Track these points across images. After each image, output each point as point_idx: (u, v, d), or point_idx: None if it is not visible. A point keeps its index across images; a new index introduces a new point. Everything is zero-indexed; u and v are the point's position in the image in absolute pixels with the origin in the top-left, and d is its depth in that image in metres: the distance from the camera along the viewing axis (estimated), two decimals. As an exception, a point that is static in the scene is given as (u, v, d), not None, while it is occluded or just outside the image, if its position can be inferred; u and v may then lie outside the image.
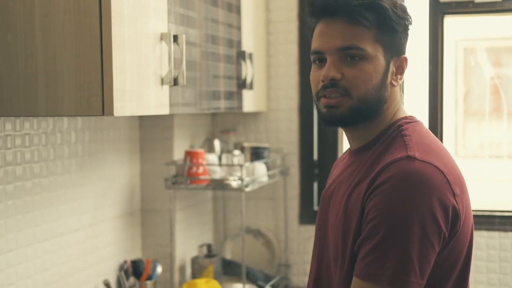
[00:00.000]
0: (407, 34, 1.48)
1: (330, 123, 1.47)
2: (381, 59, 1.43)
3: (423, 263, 1.30)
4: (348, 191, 1.44)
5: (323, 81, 1.42)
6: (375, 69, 1.42)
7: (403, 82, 1.53)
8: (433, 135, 1.50)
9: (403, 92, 1.55)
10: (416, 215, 1.29)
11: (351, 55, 1.41)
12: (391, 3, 1.44)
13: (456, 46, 3.26)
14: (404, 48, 1.49)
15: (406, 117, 1.49)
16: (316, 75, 1.46)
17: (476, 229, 2.77)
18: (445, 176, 1.34)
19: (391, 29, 1.43)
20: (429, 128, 2.85)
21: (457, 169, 1.42)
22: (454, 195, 1.34)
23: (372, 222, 1.32)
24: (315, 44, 1.46)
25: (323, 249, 1.54)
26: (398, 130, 1.45)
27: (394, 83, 1.47)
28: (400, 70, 1.48)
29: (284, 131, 3.01)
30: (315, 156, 3.01)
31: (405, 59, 1.48)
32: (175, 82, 1.96)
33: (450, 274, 1.39)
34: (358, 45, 1.40)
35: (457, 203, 1.34)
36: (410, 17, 1.47)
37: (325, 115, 1.45)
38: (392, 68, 1.46)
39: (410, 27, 1.48)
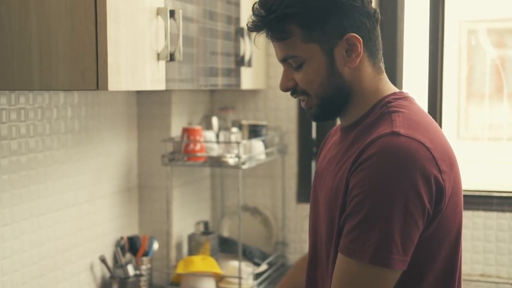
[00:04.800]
0: (345, 10, 1.40)
1: (315, 121, 1.61)
2: (319, 55, 1.41)
3: (405, 240, 1.29)
4: (336, 169, 1.44)
5: (282, 90, 1.50)
6: (317, 67, 1.42)
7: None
8: (424, 111, 1.47)
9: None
10: (399, 191, 1.28)
11: (293, 62, 1.44)
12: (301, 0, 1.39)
13: (459, 27, 3.25)
14: (348, 27, 1.41)
15: (394, 93, 1.47)
16: None
17: (474, 209, 2.79)
18: (431, 152, 1.32)
19: (316, 24, 1.40)
20: (428, 108, 2.85)
21: (446, 145, 1.40)
22: (440, 171, 1.32)
23: (356, 199, 1.32)
24: None
25: (316, 228, 1.54)
26: (386, 107, 1.43)
27: (350, 65, 1.42)
28: (352, 49, 1.42)
29: (283, 109, 3.00)
30: (314, 135, 3.00)
31: (353, 36, 1.40)
32: (172, 57, 1.95)
33: (438, 252, 1.38)
34: (292, 53, 1.43)
35: (443, 180, 1.32)
36: None
37: (309, 114, 1.51)
38: (339, 53, 1.41)
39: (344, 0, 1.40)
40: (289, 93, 1.50)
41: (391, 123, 1.37)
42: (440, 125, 2.84)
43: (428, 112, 2.68)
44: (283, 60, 1.46)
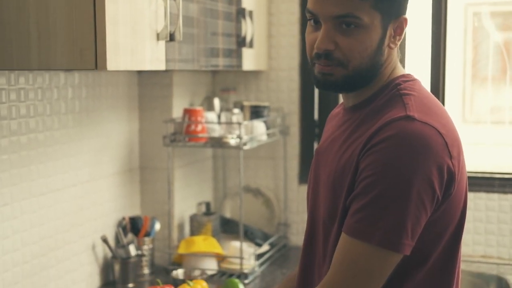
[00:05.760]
0: None
1: (322, 88, 1.45)
2: (377, 27, 1.38)
3: (415, 226, 1.29)
4: (341, 149, 1.43)
5: (317, 50, 1.40)
6: (370, 38, 1.38)
7: (404, 38, 1.49)
8: (432, 95, 1.47)
9: (400, 50, 1.52)
10: (413, 178, 1.28)
11: (346, 23, 1.36)
12: None
13: (465, 10, 3.22)
14: (405, 8, 1.43)
15: (403, 75, 1.46)
16: (311, 38, 1.43)
17: (476, 191, 2.79)
18: (444, 138, 1.32)
19: None
20: (431, 90, 2.83)
21: (454, 130, 1.40)
22: (451, 157, 1.32)
23: (367, 180, 1.31)
24: (310, 3, 1.41)
25: (315, 207, 1.53)
26: (396, 89, 1.42)
27: (392, 45, 1.43)
28: (399, 31, 1.43)
29: (285, 91, 2.99)
30: (316, 116, 3.00)
31: (405, 19, 1.42)
32: (172, 37, 1.94)
33: (442, 236, 1.38)
34: (355, 13, 1.35)
35: (453, 166, 1.32)
36: None
37: (318, 79, 1.43)
38: (390, 31, 1.41)
39: None
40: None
41: (404, 106, 1.36)
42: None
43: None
44: (337, 18, 1.36)
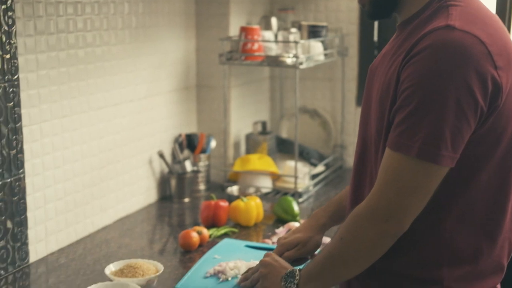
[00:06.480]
0: None
1: (370, 18, 1.50)
2: None
3: (455, 137, 1.26)
4: (389, 64, 1.41)
5: None
6: None
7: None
8: (487, 7, 1.42)
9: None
10: (451, 86, 1.25)
11: None
12: None
13: None
14: None
15: None
16: None
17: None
18: (486, 47, 1.27)
19: None
20: (496, 8, 2.72)
21: (506, 42, 1.34)
22: (496, 67, 1.27)
23: (406, 92, 1.29)
24: None
25: (367, 125, 1.53)
26: (443, 0, 1.38)
27: None
28: None
29: (344, 11, 2.94)
30: (375, 37, 2.94)
31: None
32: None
33: (492, 151, 1.34)
34: None
35: (499, 76, 1.28)
36: None
37: (365, 13, 1.48)
38: None
39: None
40: None
41: (447, 16, 1.32)
42: (510, 26, 2.72)
43: (496, 12, 2.58)
44: None
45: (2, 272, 1.78)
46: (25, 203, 1.85)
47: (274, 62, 2.57)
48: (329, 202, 1.78)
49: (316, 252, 1.72)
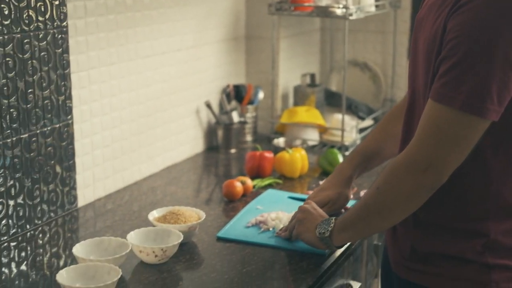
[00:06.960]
0: None
1: None
2: None
3: (502, 91, 1.23)
4: (436, 15, 1.38)
5: None
6: None
7: None
8: None
9: None
10: (499, 39, 1.21)
11: None
12: None
13: None
14: None
15: None
16: None
17: None
18: None
19: None
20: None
21: None
22: None
23: (452, 42, 1.26)
24: None
25: (415, 77, 1.50)
26: None
27: None
28: None
29: (398, -39, 2.86)
30: (430, -12, 2.85)
31: None
32: None
33: None
34: None
35: None
36: None
37: None
38: None
39: None
40: None
41: None
42: None
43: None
44: None
45: (52, 214, 1.83)
46: (73, 148, 1.88)
47: (324, 12, 2.53)
48: (353, 154, 1.76)
49: (348, 206, 1.71)
